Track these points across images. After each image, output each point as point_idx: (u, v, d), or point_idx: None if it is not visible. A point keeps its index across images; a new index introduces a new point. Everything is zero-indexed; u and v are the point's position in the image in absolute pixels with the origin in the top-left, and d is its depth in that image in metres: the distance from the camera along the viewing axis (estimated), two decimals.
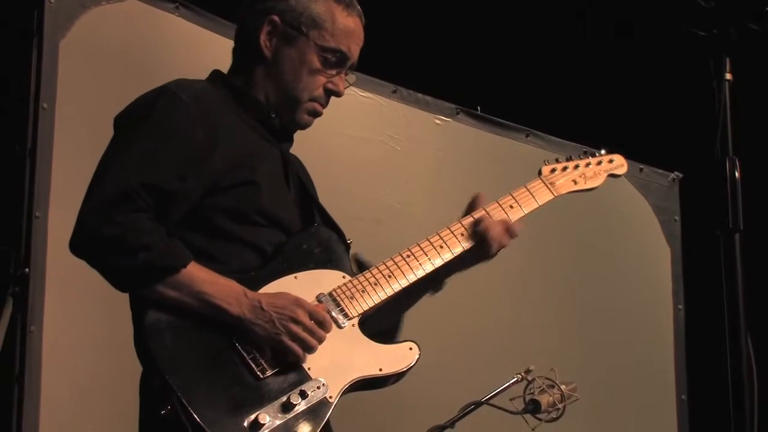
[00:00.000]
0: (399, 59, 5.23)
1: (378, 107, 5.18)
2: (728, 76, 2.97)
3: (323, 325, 2.88)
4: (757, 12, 2.95)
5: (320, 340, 2.87)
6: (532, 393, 3.33)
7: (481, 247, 3.17)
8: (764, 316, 3.93)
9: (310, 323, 2.85)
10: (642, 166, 5.80)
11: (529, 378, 3.36)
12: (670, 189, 5.98)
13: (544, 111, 5.70)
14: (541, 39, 5.87)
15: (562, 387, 3.33)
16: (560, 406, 3.31)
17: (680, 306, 5.91)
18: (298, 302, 2.86)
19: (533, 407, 3.32)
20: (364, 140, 5.13)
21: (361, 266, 3.12)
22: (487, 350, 5.18)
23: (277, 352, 2.83)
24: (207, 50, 4.43)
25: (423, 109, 5.34)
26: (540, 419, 3.32)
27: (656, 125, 5.84)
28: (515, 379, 3.39)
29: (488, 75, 5.70)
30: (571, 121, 5.66)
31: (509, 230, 3.18)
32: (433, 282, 3.23)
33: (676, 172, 5.97)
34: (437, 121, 5.38)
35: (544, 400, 3.32)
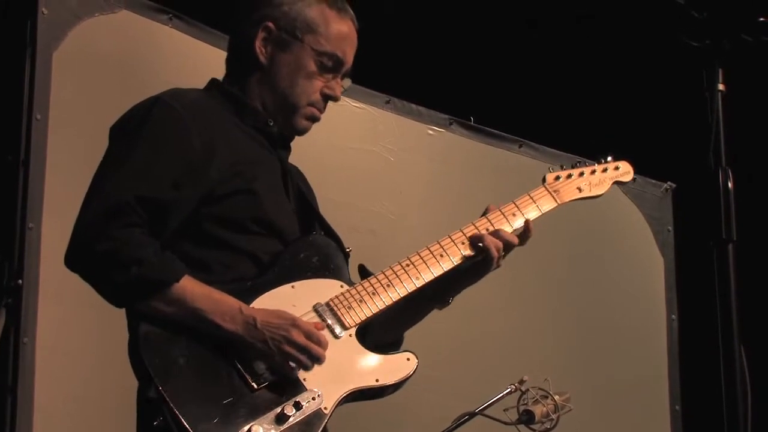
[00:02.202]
0: (392, 70, 5.23)
1: (371, 118, 5.18)
2: (721, 86, 2.98)
3: (320, 345, 2.85)
4: (749, 23, 2.96)
5: (316, 361, 2.85)
6: (526, 403, 3.33)
7: (483, 255, 3.13)
8: (758, 326, 3.93)
9: (306, 343, 2.82)
10: (635, 176, 5.78)
11: (523, 388, 3.35)
12: (663, 199, 5.98)
13: (537, 121, 5.70)
14: (534, 49, 5.87)
15: (556, 397, 3.33)
16: (554, 416, 3.31)
17: (674, 316, 5.90)
18: (294, 322, 2.84)
19: (527, 418, 3.31)
20: (357, 151, 5.12)
21: (366, 276, 3.09)
22: (481, 361, 5.18)
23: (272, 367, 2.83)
24: (200, 61, 4.43)
25: (416, 120, 5.34)
26: (534, 430, 3.32)
27: (649, 135, 5.84)
28: (509, 389, 3.38)
29: (482, 85, 5.70)
30: (565, 131, 5.66)
31: (507, 239, 3.15)
32: (439, 300, 3.22)
33: (669, 183, 5.97)
34: (431, 132, 5.38)
35: (538, 410, 3.31)
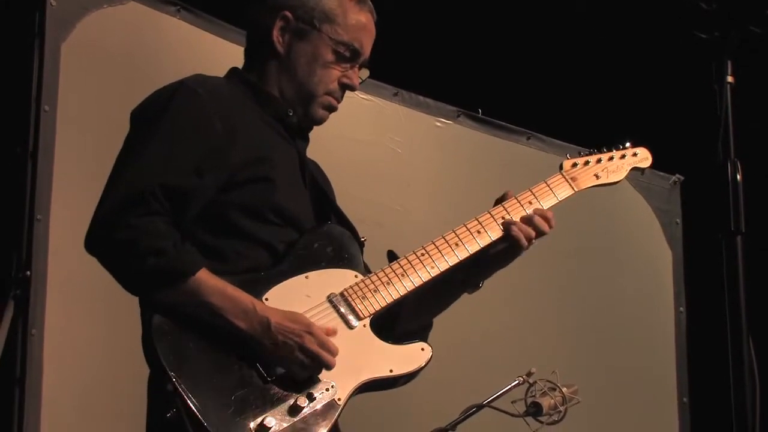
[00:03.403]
0: (400, 62, 5.23)
1: (379, 110, 5.18)
2: (730, 78, 2.97)
3: (331, 354, 2.84)
4: (758, 15, 2.96)
5: (326, 368, 2.83)
6: (534, 396, 3.33)
7: (507, 242, 3.14)
8: (766, 318, 3.92)
9: (318, 351, 2.81)
10: (644, 169, 5.78)
11: (531, 381, 3.35)
12: (671, 192, 5.98)
13: (545, 113, 5.69)
14: (542, 42, 5.86)
15: (564, 390, 3.32)
16: (562, 408, 3.30)
17: (682, 309, 5.90)
18: (309, 329, 2.82)
19: (534, 410, 3.31)
20: (365, 143, 5.12)
21: (392, 259, 3.09)
22: (489, 353, 5.18)
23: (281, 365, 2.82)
24: (208, 53, 4.44)
25: (424, 112, 5.34)
26: (541, 422, 3.31)
27: (657, 128, 5.82)
28: (516, 381, 3.38)
29: (489, 78, 5.70)
30: (572, 123, 5.66)
31: (534, 220, 3.15)
32: (470, 284, 3.22)
33: (677, 175, 5.97)
34: (438, 124, 5.38)
35: (546, 402, 3.31)
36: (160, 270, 2.73)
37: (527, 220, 3.15)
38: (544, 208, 3.20)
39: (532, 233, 3.14)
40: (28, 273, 3.94)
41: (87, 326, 4.11)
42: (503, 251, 3.17)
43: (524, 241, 3.12)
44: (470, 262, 3.14)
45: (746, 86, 3.03)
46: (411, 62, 5.40)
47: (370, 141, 5.15)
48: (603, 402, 5.35)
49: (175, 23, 4.52)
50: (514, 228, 3.12)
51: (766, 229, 4.31)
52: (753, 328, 2.90)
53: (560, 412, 3.30)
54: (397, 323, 3.11)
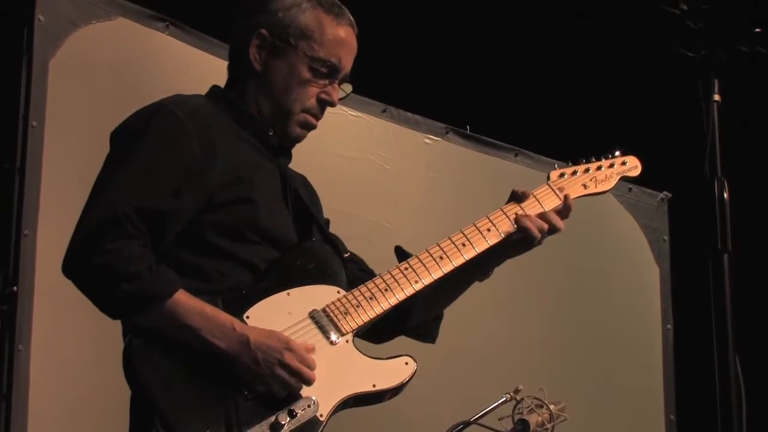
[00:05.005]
0: (389, 79, 5.24)
1: (368, 126, 5.18)
2: (717, 97, 2.98)
3: (311, 369, 2.83)
4: (745, 34, 2.97)
5: (307, 383, 2.82)
6: (521, 413, 3.33)
7: (513, 241, 3.14)
8: (752, 335, 3.93)
9: (298, 367, 2.80)
10: (631, 186, 5.81)
11: (518, 397, 3.36)
12: (659, 209, 5.99)
13: (533, 130, 5.70)
14: (530, 59, 5.88)
15: (551, 406, 3.33)
16: (549, 425, 3.31)
17: (669, 325, 5.91)
18: (288, 345, 2.81)
19: (522, 427, 3.31)
20: (353, 160, 5.12)
21: (402, 256, 3.12)
22: (476, 370, 5.17)
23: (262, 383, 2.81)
24: (197, 69, 4.43)
25: (413, 129, 5.34)
26: None
27: (645, 145, 5.82)
28: (504, 398, 3.39)
29: (478, 94, 5.71)
30: (561, 140, 5.66)
31: (547, 215, 3.16)
32: (480, 273, 3.22)
33: (665, 192, 5.99)
34: (427, 141, 5.38)
35: (533, 419, 3.31)
36: (134, 295, 2.73)
37: (541, 214, 3.16)
38: None
39: (545, 226, 3.14)
40: (15, 288, 3.93)
41: (74, 342, 4.09)
42: (515, 244, 3.17)
43: (536, 233, 3.13)
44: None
45: (733, 104, 3.04)
46: (399, 79, 5.40)
47: (359, 157, 5.15)
48: (590, 419, 5.35)
49: (164, 39, 4.52)
50: (526, 221, 3.13)
51: (752, 247, 4.32)
52: (739, 345, 2.91)
53: (547, 429, 3.31)
54: (409, 317, 3.15)
